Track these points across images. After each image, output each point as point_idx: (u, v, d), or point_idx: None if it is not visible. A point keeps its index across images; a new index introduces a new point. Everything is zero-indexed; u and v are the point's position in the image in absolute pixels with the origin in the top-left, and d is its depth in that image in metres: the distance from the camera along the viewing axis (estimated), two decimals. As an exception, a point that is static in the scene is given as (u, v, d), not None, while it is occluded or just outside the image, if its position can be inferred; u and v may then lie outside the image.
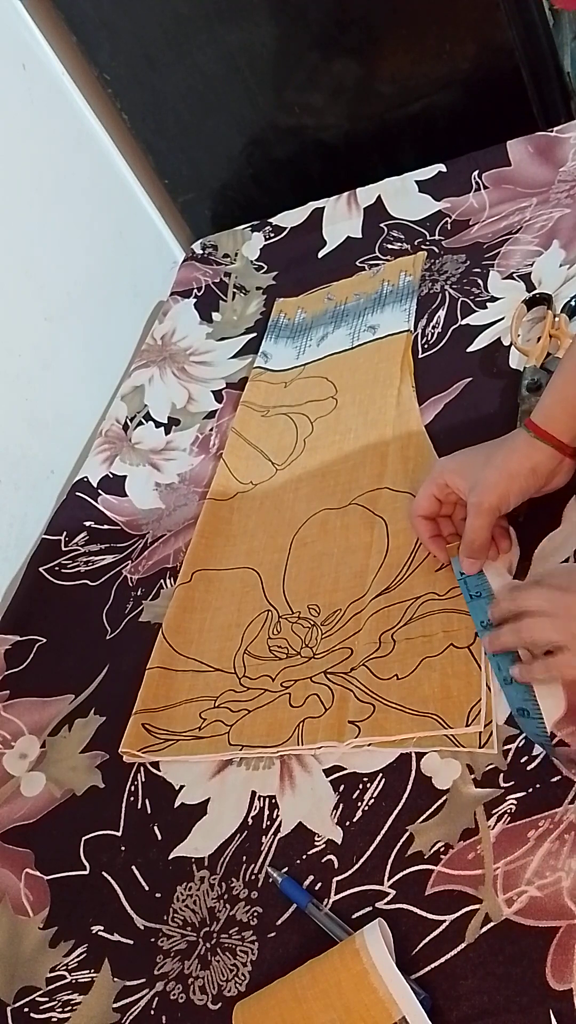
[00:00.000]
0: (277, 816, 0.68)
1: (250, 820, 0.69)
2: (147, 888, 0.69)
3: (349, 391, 1.01)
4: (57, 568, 1.00)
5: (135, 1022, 0.62)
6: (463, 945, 0.56)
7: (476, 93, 1.26)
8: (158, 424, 1.13)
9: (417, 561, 0.77)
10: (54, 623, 0.94)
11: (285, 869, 0.64)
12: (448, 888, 0.59)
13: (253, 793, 0.70)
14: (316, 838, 0.65)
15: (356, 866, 0.62)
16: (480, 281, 1.02)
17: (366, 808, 0.65)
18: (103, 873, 0.71)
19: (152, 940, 0.66)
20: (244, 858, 0.67)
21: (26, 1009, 0.67)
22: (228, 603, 0.85)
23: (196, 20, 1.26)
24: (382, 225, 1.21)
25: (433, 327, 1.01)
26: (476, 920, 0.57)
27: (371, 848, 0.63)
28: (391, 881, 0.61)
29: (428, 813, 0.62)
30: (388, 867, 0.61)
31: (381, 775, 0.66)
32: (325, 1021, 0.54)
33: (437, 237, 1.14)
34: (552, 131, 1.14)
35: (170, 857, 0.70)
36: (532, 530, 0.74)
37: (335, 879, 0.63)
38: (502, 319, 0.96)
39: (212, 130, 1.38)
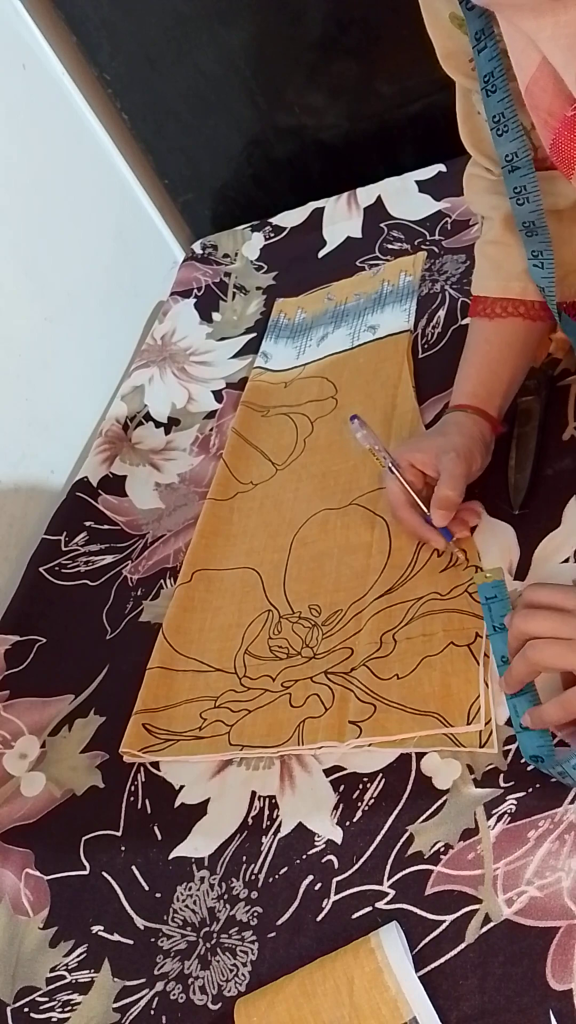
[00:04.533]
0: (277, 816, 0.68)
1: (250, 820, 0.69)
2: (147, 888, 0.69)
3: (349, 391, 1.01)
4: (57, 568, 1.00)
5: (135, 1022, 0.62)
6: (463, 945, 0.56)
7: (476, 93, 1.26)
8: (158, 424, 1.13)
9: (421, 562, 0.77)
10: (54, 623, 0.94)
11: (285, 869, 0.64)
12: (448, 888, 0.59)
13: (253, 793, 0.70)
14: (316, 838, 0.65)
15: (356, 866, 0.62)
16: (480, 281, 1.02)
17: (366, 808, 0.65)
18: (103, 873, 0.71)
19: (152, 940, 0.66)
20: (244, 858, 0.67)
21: (26, 1009, 0.67)
22: (228, 603, 0.85)
23: (196, 20, 1.26)
24: (382, 225, 1.21)
25: (433, 327, 1.01)
26: (476, 920, 0.57)
27: (371, 848, 0.63)
28: (391, 881, 0.61)
29: (428, 813, 0.62)
30: (388, 867, 0.61)
31: (381, 775, 0.66)
32: (334, 1018, 0.54)
33: (437, 237, 1.14)
34: (552, 131, 1.14)
35: (170, 857, 0.70)
36: (532, 530, 0.74)
37: (335, 879, 0.63)
38: (502, 319, 0.95)
39: (212, 130, 1.38)
